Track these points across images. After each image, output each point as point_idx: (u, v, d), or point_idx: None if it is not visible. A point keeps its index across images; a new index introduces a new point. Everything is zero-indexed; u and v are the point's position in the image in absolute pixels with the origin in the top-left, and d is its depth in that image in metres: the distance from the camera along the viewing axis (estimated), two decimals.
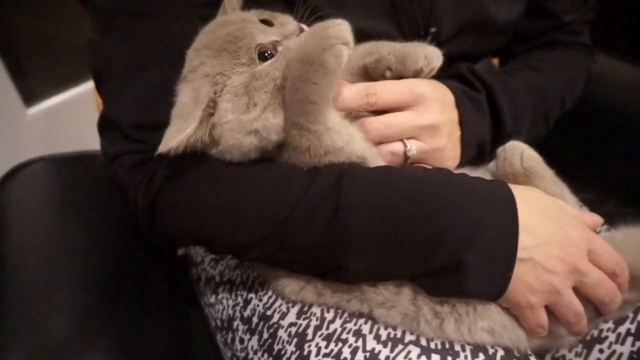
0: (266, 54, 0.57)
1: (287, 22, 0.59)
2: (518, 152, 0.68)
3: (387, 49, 0.64)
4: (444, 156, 0.67)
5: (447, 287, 0.58)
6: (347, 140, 0.58)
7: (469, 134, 0.69)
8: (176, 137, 0.53)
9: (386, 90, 0.63)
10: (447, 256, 0.56)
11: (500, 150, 0.71)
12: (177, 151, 0.53)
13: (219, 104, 0.56)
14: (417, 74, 0.66)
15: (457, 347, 0.60)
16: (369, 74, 0.66)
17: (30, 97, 1.77)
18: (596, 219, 0.66)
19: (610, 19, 0.95)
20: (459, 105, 0.69)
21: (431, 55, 0.65)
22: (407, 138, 0.65)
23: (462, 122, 0.68)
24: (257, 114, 0.55)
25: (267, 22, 0.60)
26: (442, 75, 0.70)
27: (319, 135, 0.56)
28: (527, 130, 0.76)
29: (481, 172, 0.75)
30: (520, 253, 0.57)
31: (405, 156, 0.65)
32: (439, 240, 0.56)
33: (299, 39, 0.59)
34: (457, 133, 0.69)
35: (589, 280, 0.59)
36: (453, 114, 0.68)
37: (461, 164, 0.71)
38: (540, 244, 0.58)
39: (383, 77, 0.65)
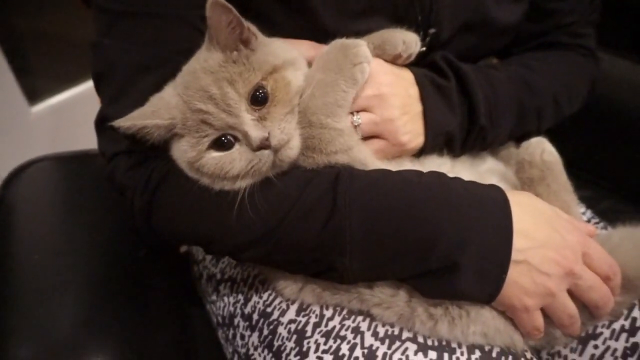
0: (223, 139, 0.58)
1: (269, 118, 0.57)
2: (541, 146, 0.69)
3: (365, 39, 0.66)
4: (398, 129, 0.65)
5: (441, 289, 0.59)
6: (356, 142, 0.62)
7: (432, 115, 0.68)
8: (134, 119, 0.57)
9: None
10: (442, 258, 0.56)
11: (525, 141, 0.71)
12: (127, 131, 0.57)
13: (175, 143, 0.60)
14: (395, 59, 0.67)
15: (454, 344, 0.61)
16: None
17: (34, 95, 1.77)
18: (590, 228, 0.66)
19: (611, 16, 0.94)
20: (419, 83, 0.68)
21: (409, 41, 0.66)
22: (359, 111, 0.64)
23: (423, 99, 0.68)
24: (207, 182, 0.59)
25: (263, 92, 0.58)
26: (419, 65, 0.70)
27: (340, 133, 0.60)
28: (511, 124, 0.75)
29: (489, 163, 0.76)
30: (515, 255, 0.57)
31: (354, 127, 0.64)
32: (434, 241, 0.56)
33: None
34: (415, 108, 0.67)
35: (583, 283, 0.59)
36: (410, 90, 0.67)
37: (428, 151, 0.69)
38: (535, 246, 0.58)
39: None
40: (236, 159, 0.57)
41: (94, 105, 0.68)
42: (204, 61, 0.59)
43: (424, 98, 0.67)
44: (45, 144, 1.80)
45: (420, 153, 0.69)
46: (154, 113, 0.58)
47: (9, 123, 1.71)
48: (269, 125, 0.57)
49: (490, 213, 0.59)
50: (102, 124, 0.65)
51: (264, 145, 0.56)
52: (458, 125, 0.70)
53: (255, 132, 0.56)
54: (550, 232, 0.60)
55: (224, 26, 0.57)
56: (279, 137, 0.56)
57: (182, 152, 0.59)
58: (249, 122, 0.57)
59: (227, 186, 0.58)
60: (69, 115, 1.83)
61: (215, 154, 0.58)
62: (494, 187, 0.62)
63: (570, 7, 0.83)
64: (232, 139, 0.58)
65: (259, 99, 0.58)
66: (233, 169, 0.57)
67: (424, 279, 0.59)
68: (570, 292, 0.60)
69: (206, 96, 0.57)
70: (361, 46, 0.62)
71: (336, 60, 0.62)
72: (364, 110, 0.64)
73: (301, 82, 0.60)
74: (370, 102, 0.64)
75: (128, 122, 0.57)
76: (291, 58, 0.61)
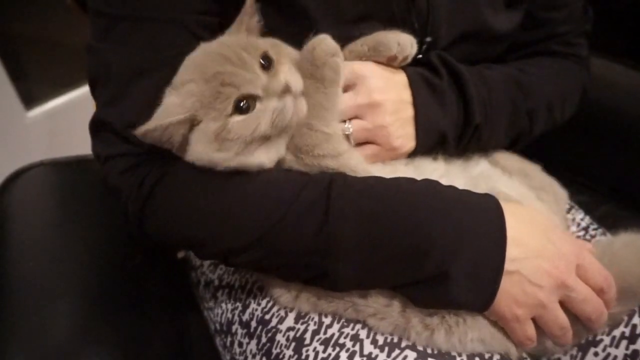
0: (242, 104, 0.57)
1: (280, 72, 0.59)
2: None
3: (359, 42, 0.66)
4: (390, 134, 0.65)
5: (434, 298, 0.58)
6: (345, 149, 0.62)
7: (424, 117, 0.68)
8: (158, 120, 0.56)
9: None
10: (434, 266, 0.56)
11: None
12: (152, 135, 0.56)
13: (195, 130, 0.59)
14: (390, 61, 0.67)
15: (454, 352, 0.60)
16: None
17: (30, 99, 1.76)
18: (587, 245, 0.66)
19: (606, 21, 0.94)
20: (412, 85, 0.68)
21: (404, 42, 0.66)
22: (352, 118, 0.65)
23: (415, 103, 0.67)
24: (230, 156, 0.58)
25: (267, 59, 0.60)
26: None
27: (327, 138, 0.60)
28: (505, 123, 0.75)
29: (482, 166, 0.75)
30: (508, 265, 0.57)
31: (346, 136, 0.65)
32: (426, 250, 0.56)
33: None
34: (407, 112, 0.67)
35: (576, 296, 0.59)
36: (403, 94, 0.67)
37: (421, 152, 0.69)
38: (529, 256, 0.58)
39: None
40: (261, 115, 0.57)
41: (90, 109, 0.67)
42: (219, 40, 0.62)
43: (416, 100, 0.67)
44: (41, 149, 1.79)
45: (413, 153, 0.69)
46: (169, 115, 0.57)
47: (5, 128, 1.70)
48: (282, 77, 0.58)
49: (483, 222, 0.58)
50: (97, 127, 0.65)
51: (287, 89, 0.57)
52: (452, 123, 0.70)
53: (276, 81, 0.58)
54: (544, 242, 0.60)
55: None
56: (296, 83, 0.58)
57: (204, 133, 0.58)
58: (264, 77, 0.58)
59: (248, 160, 0.58)
60: (65, 120, 1.83)
61: (240, 117, 0.57)
62: (487, 197, 0.62)
63: (564, 17, 0.84)
64: (251, 101, 0.58)
65: (265, 65, 0.59)
66: (260, 125, 0.57)
67: (417, 288, 0.58)
68: (563, 304, 0.60)
69: (222, 58, 0.58)
70: (321, 42, 0.62)
71: (306, 67, 0.62)
72: (355, 117, 0.65)
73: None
74: (362, 110, 0.65)
75: (153, 123, 0.56)
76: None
